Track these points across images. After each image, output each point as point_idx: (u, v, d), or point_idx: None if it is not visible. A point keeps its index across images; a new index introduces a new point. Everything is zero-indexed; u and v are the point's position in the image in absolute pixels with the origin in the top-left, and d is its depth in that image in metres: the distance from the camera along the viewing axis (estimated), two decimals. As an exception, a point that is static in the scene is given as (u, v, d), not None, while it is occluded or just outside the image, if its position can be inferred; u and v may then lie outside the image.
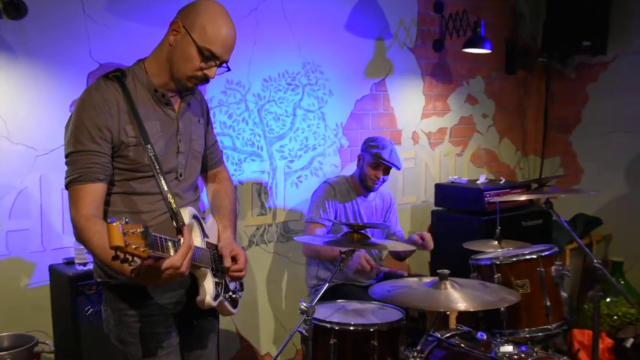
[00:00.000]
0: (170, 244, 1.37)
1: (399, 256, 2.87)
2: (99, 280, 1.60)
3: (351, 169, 2.94)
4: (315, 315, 1.98)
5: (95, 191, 1.48)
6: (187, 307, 1.62)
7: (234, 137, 2.84)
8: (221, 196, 1.79)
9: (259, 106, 2.90)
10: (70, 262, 2.27)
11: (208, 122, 1.77)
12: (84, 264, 2.20)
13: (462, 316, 2.40)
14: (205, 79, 1.55)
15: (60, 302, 2.21)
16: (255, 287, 2.99)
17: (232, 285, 1.70)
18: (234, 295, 1.68)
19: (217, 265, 1.62)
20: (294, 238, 2.21)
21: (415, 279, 2.19)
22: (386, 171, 2.72)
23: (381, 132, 3.35)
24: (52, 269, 2.26)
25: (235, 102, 2.83)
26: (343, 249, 1.98)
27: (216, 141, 1.83)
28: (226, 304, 1.66)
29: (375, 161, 2.69)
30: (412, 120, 3.56)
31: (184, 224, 1.50)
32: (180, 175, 1.60)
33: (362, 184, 2.75)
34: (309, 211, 2.72)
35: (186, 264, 1.37)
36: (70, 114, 1.53)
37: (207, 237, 1.63)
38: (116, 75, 1.54)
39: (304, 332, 1.87)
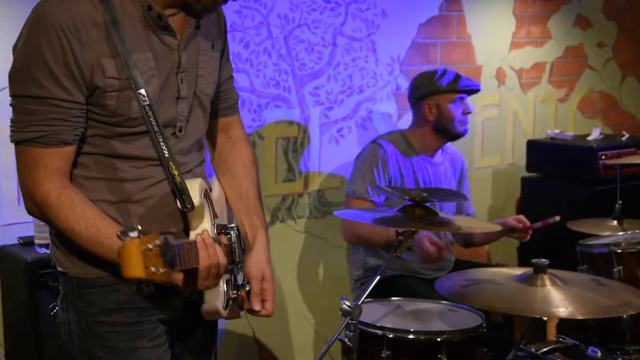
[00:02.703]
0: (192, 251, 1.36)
1: (472, 242, 2.87)
2: (60, 270, 1.55)
3: (410, 119, 2.90)
4: (362, 318, 1.97)
5: (62, 157, 1.43)
6: (183, 313, 1.60)
7: (252, 75, 2.83)
8: (239, 172, 1.71)
9: (286, 32, 2.88)
10: (28, 243, 2.24)
11: (225, 48, 1.68)
12: (48, 246, 2.18)
13: (566, 325, 2.39)
14: None
15: (14, 296, 2.22)
16: (280, 279, 3.00)
17: (239, 278, 1.66)
18: (243, 294, 1.65)
19: (231, 257, 1.58)
20: (334, 213, 2.23)
21: (500, 270, 2.18)
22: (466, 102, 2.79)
23: (453, 69, 3.26)
24: (3, 252, 2.26)
25: (254, 26, 2.80)
26: (400, 229, 1.98)
27: (232, 77, 1.74)
28: (234, 306, 1.63)
29: (456, 94, 2.72)
30: (496, 53, 3.52)
31: (192, 206, 1.45)
32: (180, 131, 1.53)
33: (449, 134, 2.76)
34: (350, 181, 2.74)
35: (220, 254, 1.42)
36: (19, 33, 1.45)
37: (217, 216, 1.59)
38: None
39: (346, 340, 1.89)
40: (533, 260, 1.99)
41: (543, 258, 1.99)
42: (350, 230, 2.68)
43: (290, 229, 2.99)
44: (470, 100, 2.79)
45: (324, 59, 2.99)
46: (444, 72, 2.75)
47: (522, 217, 2.68)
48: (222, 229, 1.58)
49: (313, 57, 2.96)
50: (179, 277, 1.36)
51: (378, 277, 1.94)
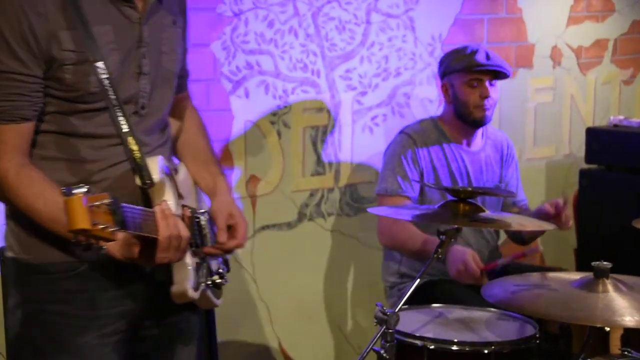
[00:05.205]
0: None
1: (522, 238, 2.85)
2: (9, 256, 1.63)
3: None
4: (399, 327, 1.97)
5: (21, 134, 1.51)
6: (152, 299, 1.65)
7: (277, 57, 2.83)
8: (193, 133, 1.82)
9: (315, 9, 2.88)
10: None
11: (185, 25, 1.77)
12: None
13: (632, 336, 2.34)
14: None
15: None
16: (308, 282, 3.01)
17: (214, 265, 1.73)
18: (218, 280, 1.72)
19: (197, 238, 1.65)
20: (368, 210, 2.24)
21: (556, 274, 2.18)
22: (491, 83, 2.71)
23: (501, 48, 3.27)
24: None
25: (279, 3, 2.81)
26: (442, 227, 1.99)
27: (187, 50, 1.82)
28: (208, 293, 1.70)
29: (470, 74, 2.68)
30: (551, 29, 3.50)
31: (152, 182, 1.54)
32: (142, 108, 1.61)
33: (467, 121, 2.73)
34: (381, 179, 2.76)
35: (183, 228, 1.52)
36: None
37: (182, 197, 1.66)
38: None
39: (382, 352, 1.88)
40: (593, 264, 1.98)
41: (604, 261, 1.97)
42: (386, 232, 2.68)
43: (319, 227, 3.00)
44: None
45: (357, 39, 2.98)
46: (473, 49, 2.71)
47: (558, 201, 2.61)
48: (190, 211, 1.65)
49: (344, 36, 2.95)
50: (135, 248, 1.46)
51: (417, 280, 1.94)
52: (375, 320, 1.89)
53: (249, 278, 2.85)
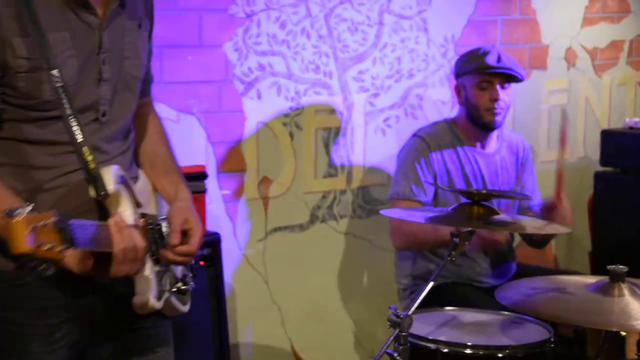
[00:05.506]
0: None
1: (537, 242, 2.84)
2: None
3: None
4: (412, 330, 1.96)
5: None
6: (111, 309, 1.62)
7: (289, 58, 2.83)
8: (153, 140, 1.79)
9: (327, 10, 2.89)
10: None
11: (151, 27, 1.73)
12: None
13: None
14: None
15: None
16: (320, 284, 3.01)
17: (179, 272, 1.71)
18: (183, 287, 1.70)
19: (158, 246, 1.63)
20: (381, 212, 2.23)
21: (571, 278, 2.18)
22: (502, 87, 2.69)
23: (514, 50, 3.27)
24: None
25: (291, 4, 2.82)
26: (455, 230, 1.98)
27: (152, 53, 1.78)
28: (173, 300, 1.68)
29: (480, 76, 2.67)
30: (565, 30, 3.50)
31: (106, 193, 1.51)
32: (103, 115, 1.58)
33: (478, 124, 2.72)
34: (394, 183, 2.75)
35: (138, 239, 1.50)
36: None
37: (140, 205, 1.64)
38: None
39: (395, 355, 1.88)
40: (609, 267, 1.97)
41: (619, 264, 1.97)
42: (397, 231, 2.67)
43: (331, 229, 3.00)
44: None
45: (369, 40, 2.98)
46: (485, 50, 2.69)
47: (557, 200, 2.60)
48: (149, 219, 1.63)
49: (357, 37, 2.95)
50: (89, 261, 1.44)
51: (431, 283, 1.94)
52: (389, 323, 1.89)
53: (260, 280, 2.85)
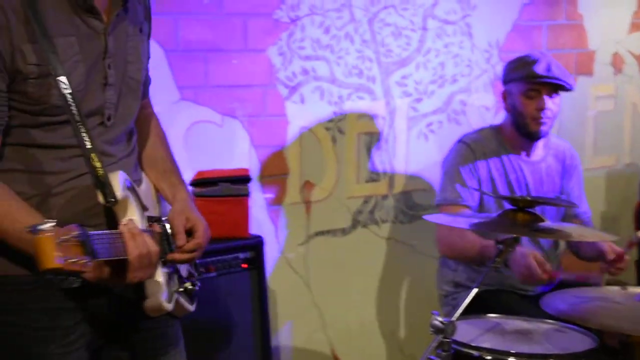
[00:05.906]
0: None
1: (585, 254, 2.75)
2: None
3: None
4: (456, 337, 1.96)
5: None
6: (121, 310, 1.63)
7: (332, 63, 2.85)
8: (152, 143, 1.80)
9: (371, 15, 2.89)
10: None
11: (149, 31, 1.74)
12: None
13: None
14: None
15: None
16: (361, 289, 3.02)
17: (184, 271, 1.72)
18: (189, 287, 1.71)
19: (165, 247, 1.64)
20: (424, 217, 2.23)
21: (616, 288, 2.18)
22: (550, 96, 2.64)
23: (560, 56, 3.24)
24: None
25: (335, 9, 2.83)
26: (500, 237, 1.99)
27: (149, 57, 1.78)
28: (182, 300, 1.69)
29: (528, 85, 2.63)
30: (612, 36, 3.49)
31: (115, 199, 1.52)
32: (109, 119, 1.59)
33: (523, 132, 2.69)
34: (440, 189, 2.73)
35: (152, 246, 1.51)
36: None
37: (147, 209, 1.65)
38: None
39: None
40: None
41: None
42: (443, 240, 2.65)
43: (372, 234, 3.00)
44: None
45: (413, 45, 2.98)
46: (534, 58, 2.65)
47: (620, 250, 2.47)
48: (154, 221, 1.64)
49: (400, 42, 2.95)
50: (106, 270, 1.45)
51: (476, 289, 1.93)
52: (432, 329, 1.88)
53: (302, 283, 2.86)
